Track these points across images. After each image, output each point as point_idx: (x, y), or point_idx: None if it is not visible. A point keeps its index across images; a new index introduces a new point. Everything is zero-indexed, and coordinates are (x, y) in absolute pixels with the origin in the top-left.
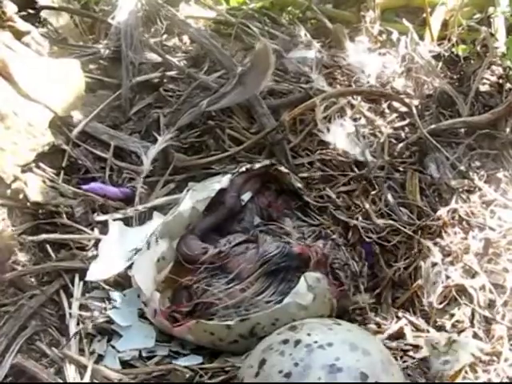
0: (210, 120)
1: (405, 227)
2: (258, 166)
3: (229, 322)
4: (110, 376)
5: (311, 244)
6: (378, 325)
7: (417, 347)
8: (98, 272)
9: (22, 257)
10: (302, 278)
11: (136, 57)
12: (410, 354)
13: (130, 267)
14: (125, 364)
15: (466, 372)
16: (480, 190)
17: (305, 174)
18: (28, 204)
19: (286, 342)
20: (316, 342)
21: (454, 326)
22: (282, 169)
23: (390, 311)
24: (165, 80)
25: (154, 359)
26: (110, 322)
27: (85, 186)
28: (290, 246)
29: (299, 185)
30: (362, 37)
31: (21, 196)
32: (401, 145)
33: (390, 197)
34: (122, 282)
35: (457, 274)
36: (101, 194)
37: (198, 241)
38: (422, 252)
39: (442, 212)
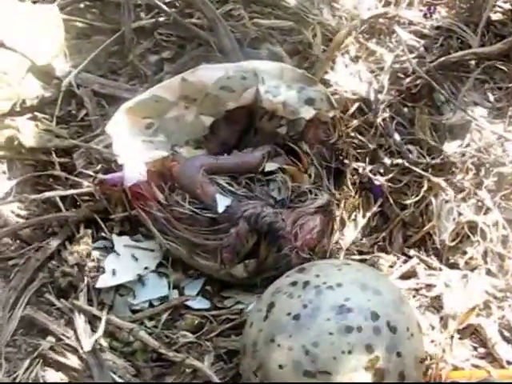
0: None
1: (415, 165)
2: None
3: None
4: (121, 325)
5: None
6: (390, 264)
7: (430, 286)
8: (107, 281)
9: (24, 209)
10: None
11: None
12: (423, 292)
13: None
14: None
15: (480, 310)
16: (492, 124)
17: None
18: (23, 151)
19: (294, 284)
20: (325, 282)
21: (467, 263)
22: None
23: (402, 250)
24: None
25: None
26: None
27: (106, 177)
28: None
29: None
30: None
31: (16, 143)
32: (408, 79)
33: (397, 135)
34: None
35: (469, 211)
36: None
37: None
38: (432, 189)
39: (453, 148)
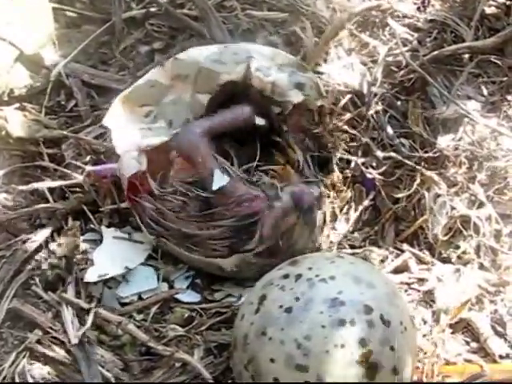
0: None
1: (408, 159)
2: None
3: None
4: (109, 318)
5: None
6: (382, 259)
7: (422, 280)
8: (96, 273)
9: (12, 200)
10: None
11: None
12: (415, 286)
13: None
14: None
15: (473, 304)
16: (485, 118)
17: None
18: (11, 141)
19: (286, 276)
20: (317, 275)
21: (459, 257)
22: None
23: (394, 245)
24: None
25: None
26: None
27: (95, 168)
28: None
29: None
30: None
31: (3, 133)
32: (401, 72)
33: (390, 128)
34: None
35: (462, 205)
36: (108, 177)
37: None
38: (425, 183)
39: (446, 142)
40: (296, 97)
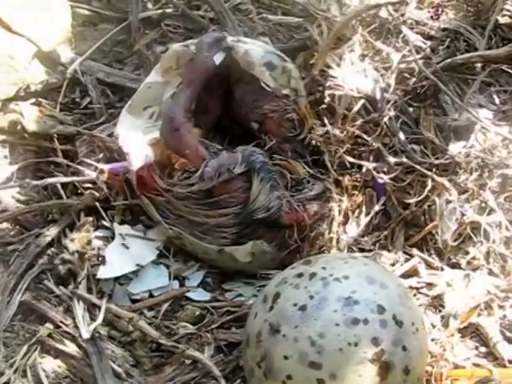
0: None
1: (419, 165)
2: None
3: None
4: (120, 314)
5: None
6: (392, 263)
7: (431, 285)
8: (108, 271)
9: (25, 194)
10: (251, 244)
11: None
12: (424, 291)
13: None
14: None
15: (481, 309)
16: (497, 126)
17: None
18: (25, 135)
19: (300, 275)
20: (332, 274)
21: (469, 263)
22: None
23: (403, 249)
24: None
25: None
26: None
27: (108, 166)
28: (281, 207)
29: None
30: None
31: (19, 127)
32: (414, 79)
33: (402, 134)
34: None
35: (472, 211)
36: (120, 174)
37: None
38: (436, 189)
39: (457, 149)
40: (262, 75)
